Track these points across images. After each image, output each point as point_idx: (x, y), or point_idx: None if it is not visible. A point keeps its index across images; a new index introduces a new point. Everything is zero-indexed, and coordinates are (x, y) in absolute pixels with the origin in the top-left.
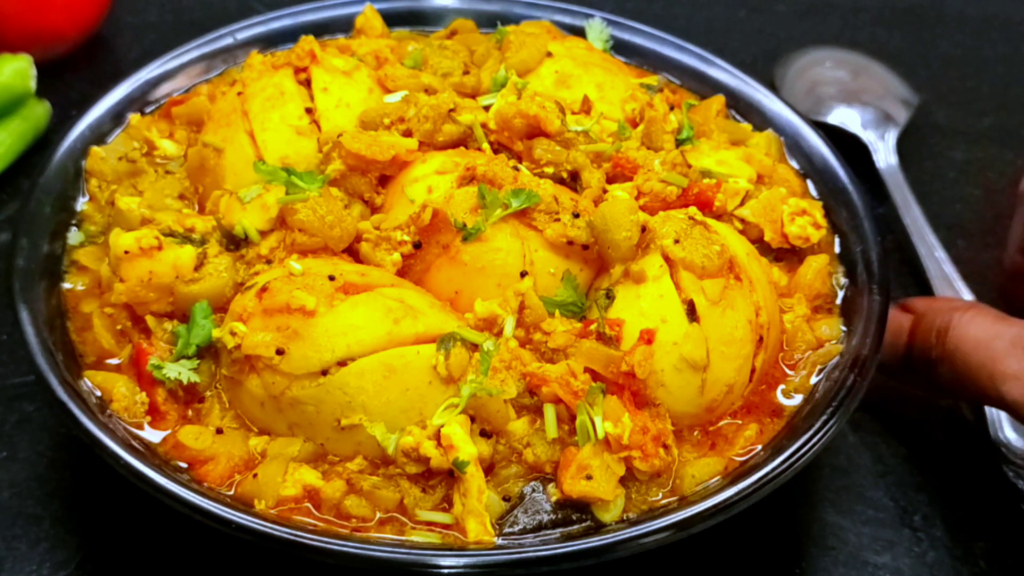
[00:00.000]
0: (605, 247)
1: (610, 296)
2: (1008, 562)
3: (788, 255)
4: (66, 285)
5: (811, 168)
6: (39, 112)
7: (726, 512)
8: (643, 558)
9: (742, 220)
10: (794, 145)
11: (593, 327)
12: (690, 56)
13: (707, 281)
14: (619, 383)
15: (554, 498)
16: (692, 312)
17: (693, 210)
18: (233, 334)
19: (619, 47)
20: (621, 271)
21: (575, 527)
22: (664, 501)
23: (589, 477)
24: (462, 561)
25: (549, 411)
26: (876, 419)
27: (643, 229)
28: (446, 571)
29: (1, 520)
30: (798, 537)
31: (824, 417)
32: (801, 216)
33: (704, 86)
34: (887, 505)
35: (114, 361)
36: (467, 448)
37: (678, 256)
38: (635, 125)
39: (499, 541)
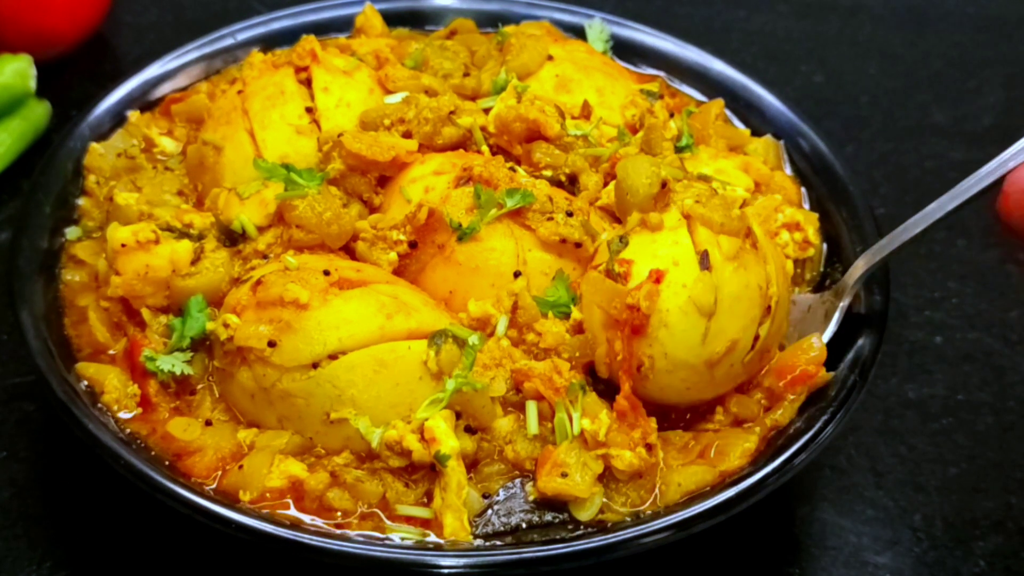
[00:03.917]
0: (624, 194)
1: (624, 241)
2: (1008, 562)
3: None
4: (63, 279)
5: (811, 168)
6: (39, 112)
7: (726, 512)
8: (643, 558)
9: None
10: (794, 145)
11: (601, 267)
12: (690, 56)
13: (724, 237)
14: (621, 319)
15: (531, 496)
16: (705, 260)
17: (716, 184)
18: (226, 326)
19: (619, 47)
20: (637, 219)
21: (552, 526)
22: (648, 506)
23: (564, 474)
24: (462, 561)
25: (531, 407)
26: (876, 419)
27: (663, 185)
28: (446, 571)
29: (1, 520)
30: (798, 537)
31: (824, 417)
32: (795, 231)
33: (704, 85)
34: (887, 505)
35: (109, 354)
36: (449, 442)
37: (698, 212)
38: (635, 131)
39: (476, 540)
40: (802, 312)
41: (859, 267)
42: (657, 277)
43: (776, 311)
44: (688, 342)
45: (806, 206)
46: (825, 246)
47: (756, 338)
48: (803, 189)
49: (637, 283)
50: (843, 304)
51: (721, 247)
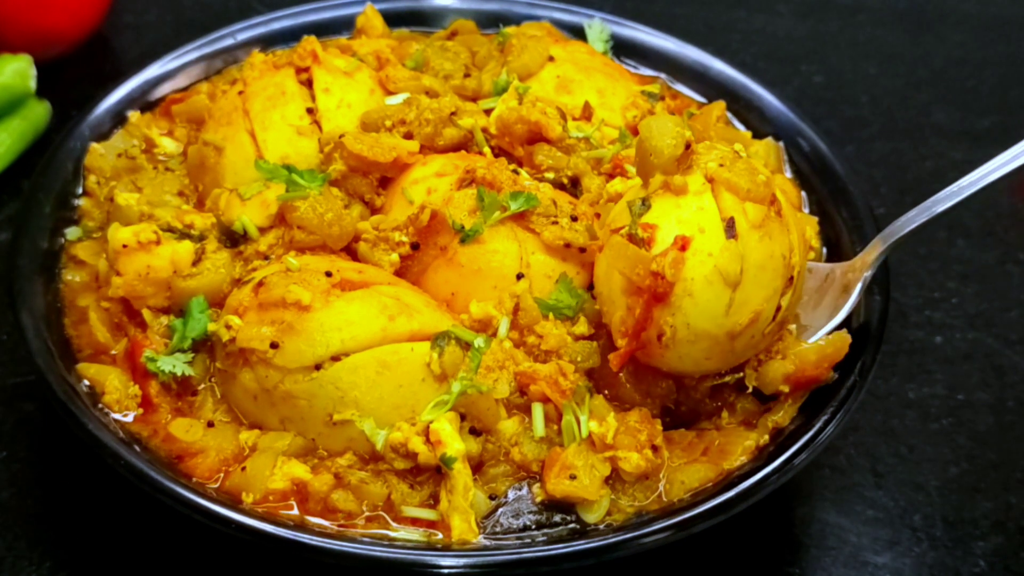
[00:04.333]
0: (647, 154)
1: (646, 204)
2: (1008, 562)
3: None
4: (63, 279)
5: (811, 168)
6: (39, 112)
7: (726, 512)
8: (643, 558)
9: None
10: (794, 145)
11: (624, 230)
12: (690, 56)
13: (749, 204)
14: (643, 286)
15: (539, 498)
16: (731, 228)
17: (739, 146)
18: (228, 327)
19: (619, 47)
20: (660, 181)
21: (560, 528)
22: (653, 505)
23: (573, 477)
24: (462, 561)
25: (537, 410)
26: (876, 419)
27: (687, 146)
28: (446, 571)
29: (1, 520)
30: (798, 537)
31: (824, 417)
32: None
33: (704, 86)
34: (887, 505)
35: (110, 355)
36: (455, 444)
37: (723, 176)
38: (636, 132)
39: (483, 540)
40: (819, 282)
41: (884, 238)
42: (683, 244)
43: (797, 281)
44: (712, 312)
45: (806, 210)
46: (825, 249)
47: (778, 309)
48: (803, 192)
49: (661, 249)
50: (867, 275)
51: (747, 214)
